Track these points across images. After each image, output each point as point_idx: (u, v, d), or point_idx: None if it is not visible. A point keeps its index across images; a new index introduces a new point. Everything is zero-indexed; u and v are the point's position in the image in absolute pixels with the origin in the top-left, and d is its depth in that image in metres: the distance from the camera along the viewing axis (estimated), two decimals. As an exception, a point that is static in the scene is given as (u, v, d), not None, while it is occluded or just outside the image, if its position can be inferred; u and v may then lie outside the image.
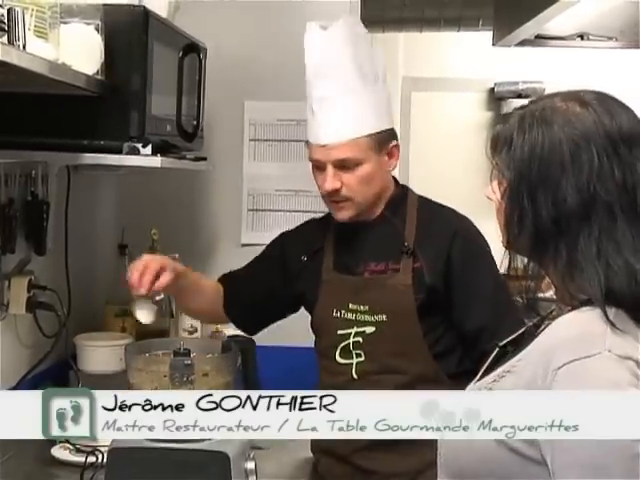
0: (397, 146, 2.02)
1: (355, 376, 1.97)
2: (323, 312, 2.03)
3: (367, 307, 1.97)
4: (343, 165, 1.94)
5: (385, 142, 1.98)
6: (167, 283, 1.94)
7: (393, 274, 1.97)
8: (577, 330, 1.20)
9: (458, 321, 1.98)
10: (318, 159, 1.97)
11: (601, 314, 1.18)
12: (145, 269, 1.92)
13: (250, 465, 1.81)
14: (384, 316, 1.95)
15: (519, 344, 1.31)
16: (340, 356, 1.99)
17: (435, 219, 2.03)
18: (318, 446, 2.07)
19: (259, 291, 2.13)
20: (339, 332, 1.99)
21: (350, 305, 1.99)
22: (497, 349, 1.37)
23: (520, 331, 1.36)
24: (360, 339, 1.97)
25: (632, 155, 1.21)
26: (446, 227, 2.00)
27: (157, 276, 1.93)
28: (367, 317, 1.97)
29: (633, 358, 1.14)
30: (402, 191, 2.08)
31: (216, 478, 1.73)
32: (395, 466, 1.94)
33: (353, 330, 1.97)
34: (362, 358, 1.97)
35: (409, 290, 1.94)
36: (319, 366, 2.08)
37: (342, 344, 1.99)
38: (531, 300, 1.30)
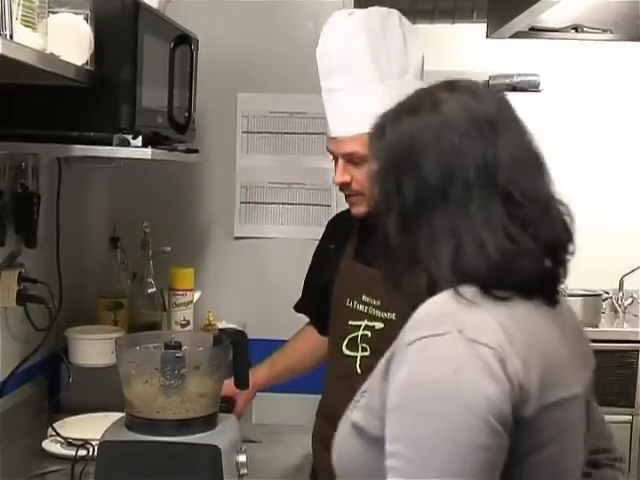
0: None
1: (359, 370, 1.91)
2: (336, 300, 1.98)
3: (379, 302, 1.92)
4: (352, 159, 1.91)
5: None
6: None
7: None
8: (433, 309, 1.20)
9: None
10: (331, 150, 1.96)
11: (454, 293, 1.18)
12: None
13: (242, 458, 1.80)
14: (393, 315, 1.89)
15: None
16: (347, 347, 1.95)
17: None
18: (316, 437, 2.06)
19: (318, 290, 2.11)
20: (350, 322, 1.95)
21: (363, 297, 1.95)
22: None
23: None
24: (369, 333, 1.92)
25: (496, 134, 1.21)
26: None
27: None
28: (377, 312, 1.92)
29: (487, 344, 1.11)
30: None
31: (207, 471, 1.72)
32: None
33: (363, 323, 1.93)
34: (367, 352, 1.91)
35: (422, 289, 1.89)
36: (327, 355, 2.05)
37: (350, 335, 1.94)
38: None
